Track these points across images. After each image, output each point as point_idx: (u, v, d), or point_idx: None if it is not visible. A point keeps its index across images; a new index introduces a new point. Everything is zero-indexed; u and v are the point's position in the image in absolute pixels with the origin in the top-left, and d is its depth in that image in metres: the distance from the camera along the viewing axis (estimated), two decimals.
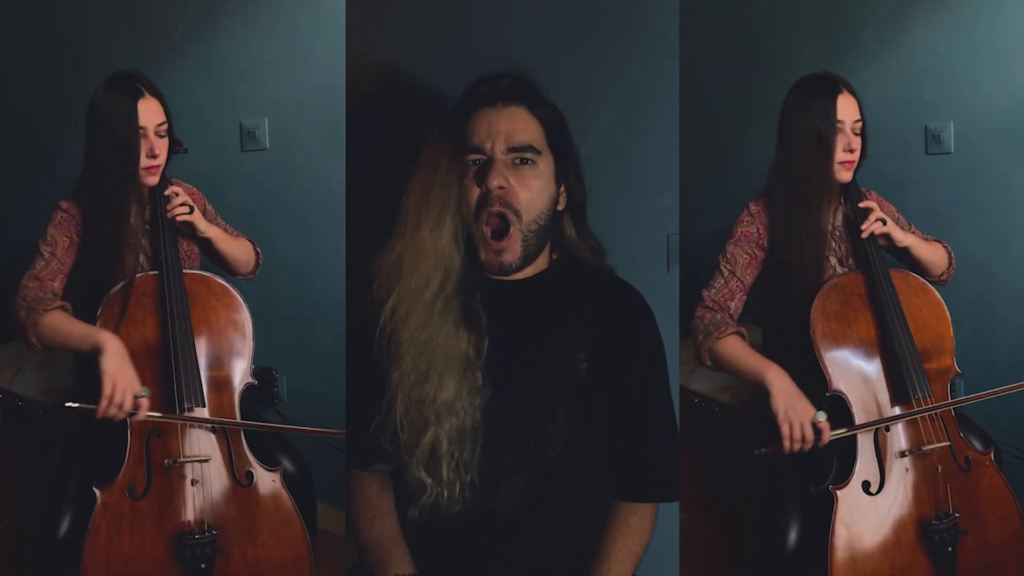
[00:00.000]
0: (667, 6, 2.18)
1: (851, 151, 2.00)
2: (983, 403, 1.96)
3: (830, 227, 2.06)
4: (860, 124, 2.01)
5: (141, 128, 1.96)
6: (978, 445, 1.98)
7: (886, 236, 2.02)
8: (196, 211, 2.07)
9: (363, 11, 2.28)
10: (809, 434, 1.83)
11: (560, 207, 1.80)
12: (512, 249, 1.72)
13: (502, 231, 1.72)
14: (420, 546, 1.75)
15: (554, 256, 1.82)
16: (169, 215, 2.03)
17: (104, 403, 1.79)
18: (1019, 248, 2.55)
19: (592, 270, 1.85)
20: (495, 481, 1.71)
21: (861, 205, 2.02)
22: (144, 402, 1.82)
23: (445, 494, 1.68)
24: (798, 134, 2.01)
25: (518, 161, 1.72)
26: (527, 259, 1.75)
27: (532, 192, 1.72)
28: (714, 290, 2.03)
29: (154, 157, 1.99)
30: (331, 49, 2.43)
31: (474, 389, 1.70)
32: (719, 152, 2.88)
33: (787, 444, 1.84)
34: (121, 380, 1.80)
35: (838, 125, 1.99)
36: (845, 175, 2.02)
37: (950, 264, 2.12)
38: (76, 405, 1.81)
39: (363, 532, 1.77)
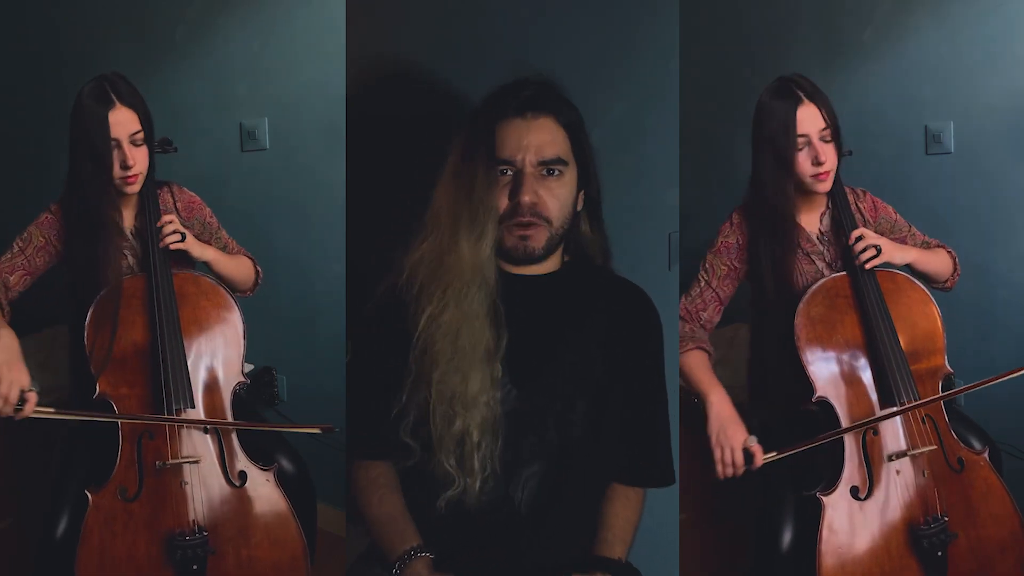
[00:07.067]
0: (670, 4, 2.18)
1: (819, 164, 1.94)
2: (983, 403, 1.94)
3: (817, 232, 2.03)
4: (828, 131, 1.94)
5: (114, 140, 1.94)
6: (976, 444, 1.96)
7: (884, 263, 1.95)
8: (189, 238, 2.04)
9: (363, 11, 2.28)
10: (739, 459, 1.81)
11: (579, 207, 1.84)
12: (537, 237, 1.76)
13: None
14: (443, 535, 1.76)
15: (566, 258, 1.86)
16: (161, 245, 1.99)
17: None
18: (1019, 248, 2.54)
19: (601, 270, 1.89)
20: (516, 471, 1.74)
21: (851, 243, 1.95)
22: (32, 396, 1.77)
23: (474, 484, 1.72)
24: (761, 153, 1.97)
25: (545, 172, 1.75)
26: (550, 250, 1.79)
27: (560, 201, 1.77)
28: (689, 299, 2.02)
29: (128, 168, 1.96)
30: (331, 49, 2.43)
31: (496, 382, 1.73)
32: (719, 152, 2.87)
33: (719, 468, 1.83)
34: (7, 374, 1.76)
35: (800, 140, 1.93)
36: (821, 187, 1.96)
37: (955, 270, 2.08)
38: None
39: (371, 508, 1.79)
